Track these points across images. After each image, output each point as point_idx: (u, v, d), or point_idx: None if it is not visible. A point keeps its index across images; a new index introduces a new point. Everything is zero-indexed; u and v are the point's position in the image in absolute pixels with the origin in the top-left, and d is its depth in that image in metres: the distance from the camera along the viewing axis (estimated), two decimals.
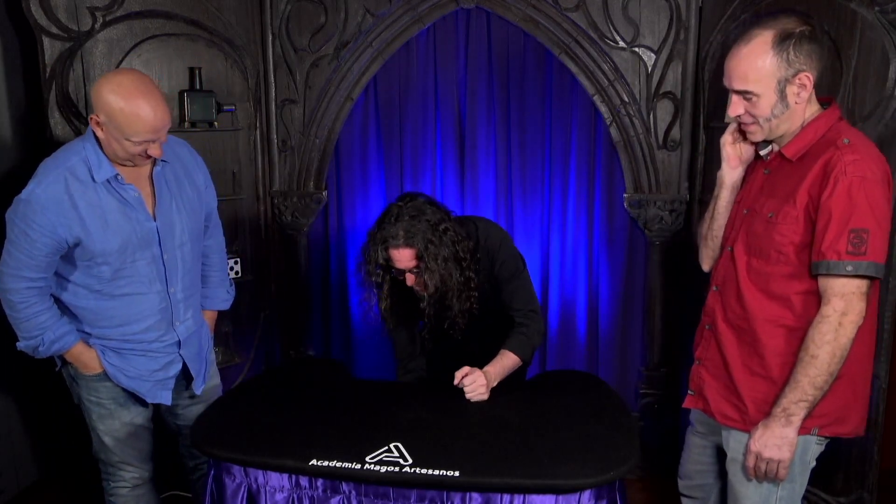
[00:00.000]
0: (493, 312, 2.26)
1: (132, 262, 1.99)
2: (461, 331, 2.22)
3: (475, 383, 2.03)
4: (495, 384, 2.09)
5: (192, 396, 2.26)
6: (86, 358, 2.05)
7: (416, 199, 2.11)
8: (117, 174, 1.93)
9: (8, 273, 1.93)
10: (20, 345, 2.02)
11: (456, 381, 2.04)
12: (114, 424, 2.14)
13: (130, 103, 1.82)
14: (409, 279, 2.11)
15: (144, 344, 2.07)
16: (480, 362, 2.15)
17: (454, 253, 2.09)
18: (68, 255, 1.96)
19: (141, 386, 2.10)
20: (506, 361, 2.13)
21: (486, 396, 2.04)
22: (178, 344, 2.13)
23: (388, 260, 2.07)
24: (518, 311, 2.22)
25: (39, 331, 1.98)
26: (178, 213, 2.06)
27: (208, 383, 2.29)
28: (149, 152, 1.90)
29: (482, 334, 2.31)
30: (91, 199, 1.91)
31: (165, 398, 2.15)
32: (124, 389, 2.11)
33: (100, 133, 1.89)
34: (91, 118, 1.88)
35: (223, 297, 2.40)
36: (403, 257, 2.06)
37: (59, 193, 1.87)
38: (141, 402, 2.16)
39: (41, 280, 1.94)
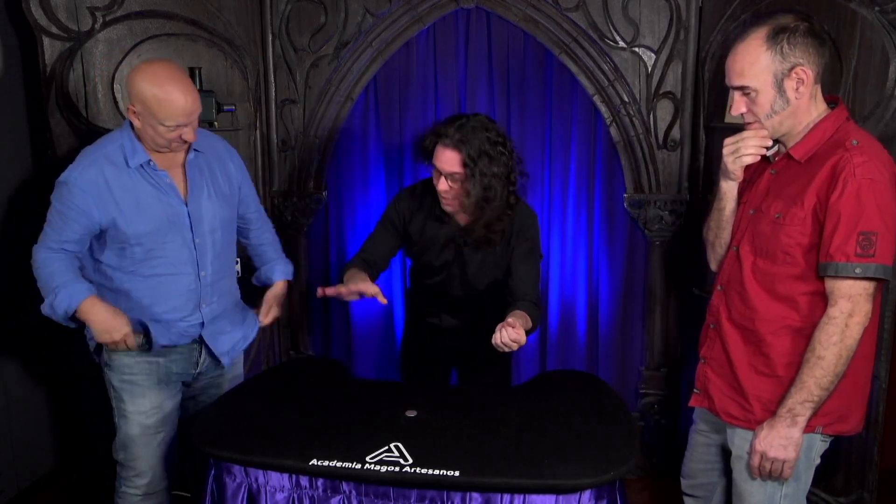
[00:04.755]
0: (492, 289, 2.25)
1: (164, 243, 2.06)
2: (492, 250, 2.19)
3: (517, 334, 1.92)
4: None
5: (220, 385, 2.31)
6: (101, 316, 2.00)
7: (487, 118, 2.13)
8: (150, 160, 2.03)
9: (38, 248, 2.03)
10: (43, 308, 2.03)
11: (499, 339, 1.93)
12: (144, 405, 2.15)
13: (163, 90, 1.92)
14: (442, 183, 2.10)
15: (168, 321, 2.12)
16: (467, 354, 2.11)
17: (505, 174, 2.09)
18: (103, 238, 2.04)
19: (176, 337, 2.15)
20: (521, 320, 2.05)
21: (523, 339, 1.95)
22: (201, 325, 2.18)
23: (432, 155, 2.09)
24: (525, 295, 2.19)
25: (56, 283, 2.00)
26: (208, 199, 2.14)
27: (235, 371, 2.36)
28: (183, 137, 2.00)
29: (479, 312, 2.32)
30: (125, 182, 2.01)
31: (197, 331, 2.18)
32: (158, 369, 2.14)
33: (136, 122, 1.99)
34: (128, 108, 1.99)
35: (283, 270, 2.44)
36: (448, 159, 2.06)
37: (95, 176, 1.98)
38: (173, 383, 2.20)
39: (69, 245, 2.02)
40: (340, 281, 2.23)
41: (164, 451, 2.22)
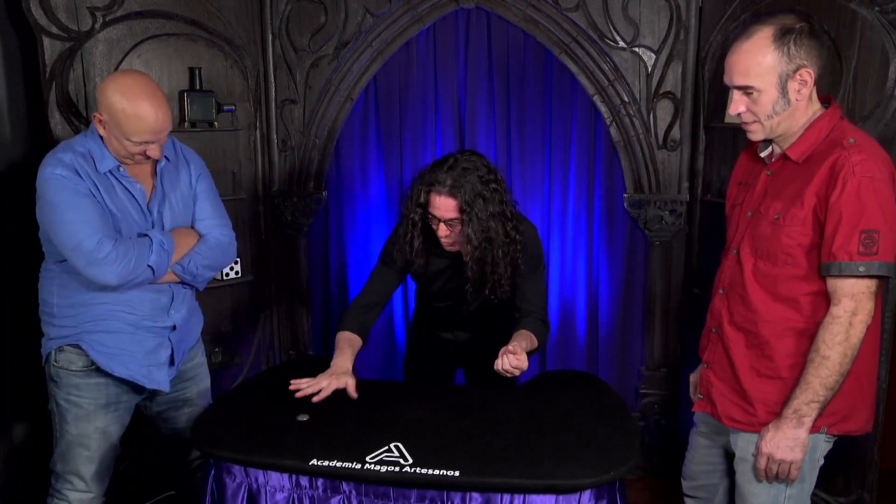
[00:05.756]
0: (500, 305, 2.25)
1: None
2: (502, 294, 2.16)
3: (518, 360, 1.95)
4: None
5: (186, 399, 2.24)
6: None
7: (474, 155, 2.11)
8: (119, 166, 1.98)
9: (81, 246, 1.88)
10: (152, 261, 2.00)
11: (500, 366, 1.96)
12: (87, 429, 2.08)
13: (133, 104, 1.86)
14: (442, 229, 2.08)
15: (135, 318, 2.05)
16: (475, 354, 2.10)
17: (501, 211, 2.07)
18: None
19: (137, 372, 2.07)
20: (525, 342, 2.07)
21: (526, 365, 1.97)
22: (170, 328, 2.11)
23: (427, 204, 2.06)
24: (532, 313, 2.19)
25: (145, 252, 1.97)
26: (169, 209, 2.08)
27: (200, 385, 2.28)
28: (147, 153, 1.94)
29: (494, 320, 2.31)
30: (96, 180, 1.95)
31: (163, 384, 2.12)
32: (108, 390, 2.07)
33: (102, 131, 1.94)
34: (94, 116, 1.93)
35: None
36: (444, 206, 2.04)
37: (72, 164, 1.92)
38: (123, 405, 2.13)
39: (110, 231, 1.94)
40: (339, 323, 2.26)
41: (105, 466, 2.15)
